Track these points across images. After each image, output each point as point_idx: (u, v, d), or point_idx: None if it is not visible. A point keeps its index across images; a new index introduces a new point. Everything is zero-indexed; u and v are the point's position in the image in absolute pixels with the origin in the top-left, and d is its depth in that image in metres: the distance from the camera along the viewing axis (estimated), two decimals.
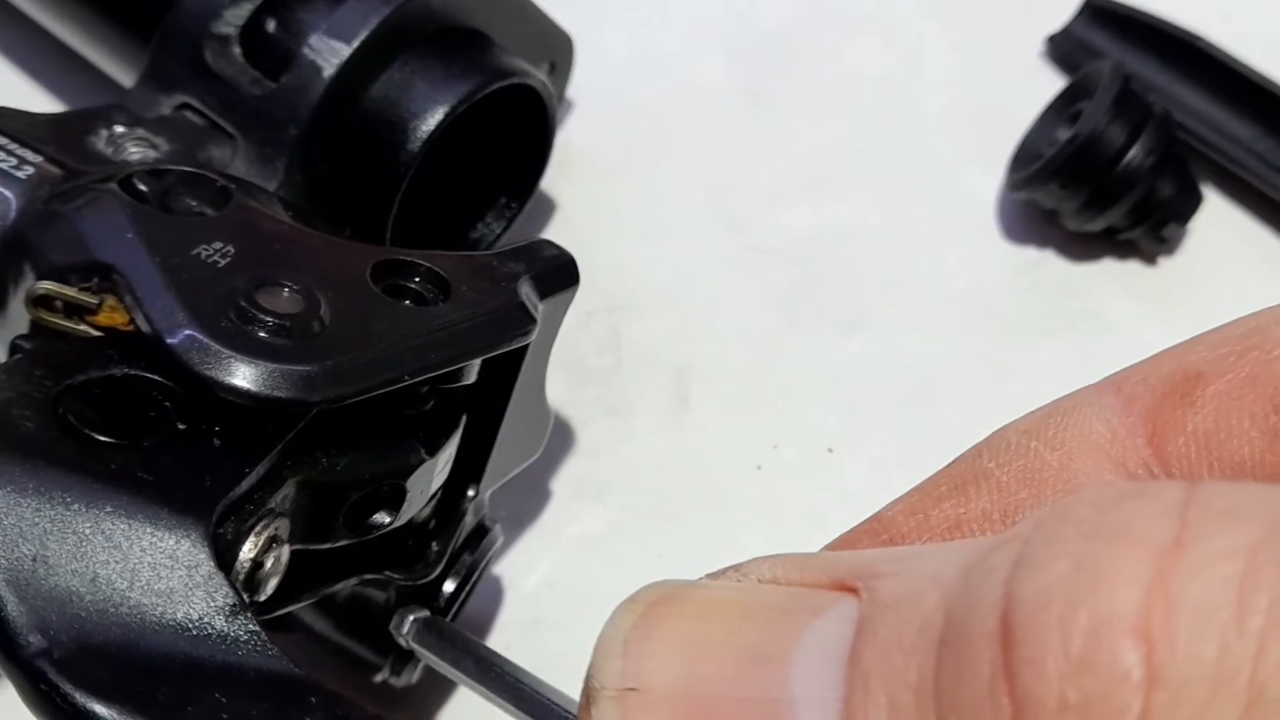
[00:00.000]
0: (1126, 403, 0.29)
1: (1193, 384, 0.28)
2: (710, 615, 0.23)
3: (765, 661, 0.22)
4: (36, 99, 0.57)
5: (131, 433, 0.32)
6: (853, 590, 0.22)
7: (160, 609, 0.30)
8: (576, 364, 0.51)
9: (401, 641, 0.38)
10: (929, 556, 0.21)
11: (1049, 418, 0.30)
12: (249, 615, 0.30)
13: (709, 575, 0.25)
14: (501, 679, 0.36)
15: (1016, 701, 0.18)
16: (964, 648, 0.19)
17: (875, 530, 0.31)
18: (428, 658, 0.38)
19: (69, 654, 0.28)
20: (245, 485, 0.32)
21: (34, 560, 0.29)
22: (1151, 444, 0.28)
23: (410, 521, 0.39)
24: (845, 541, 0.31)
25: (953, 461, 0.31)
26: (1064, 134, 0.53)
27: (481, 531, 0.43)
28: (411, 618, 0.38)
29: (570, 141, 0.55)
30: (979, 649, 0.19)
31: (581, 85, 0.56)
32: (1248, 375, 0.27)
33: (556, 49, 0.53)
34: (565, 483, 0.50)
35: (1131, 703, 0.17)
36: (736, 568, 0.24)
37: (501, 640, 0.47)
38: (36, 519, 0.30)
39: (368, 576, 0.39)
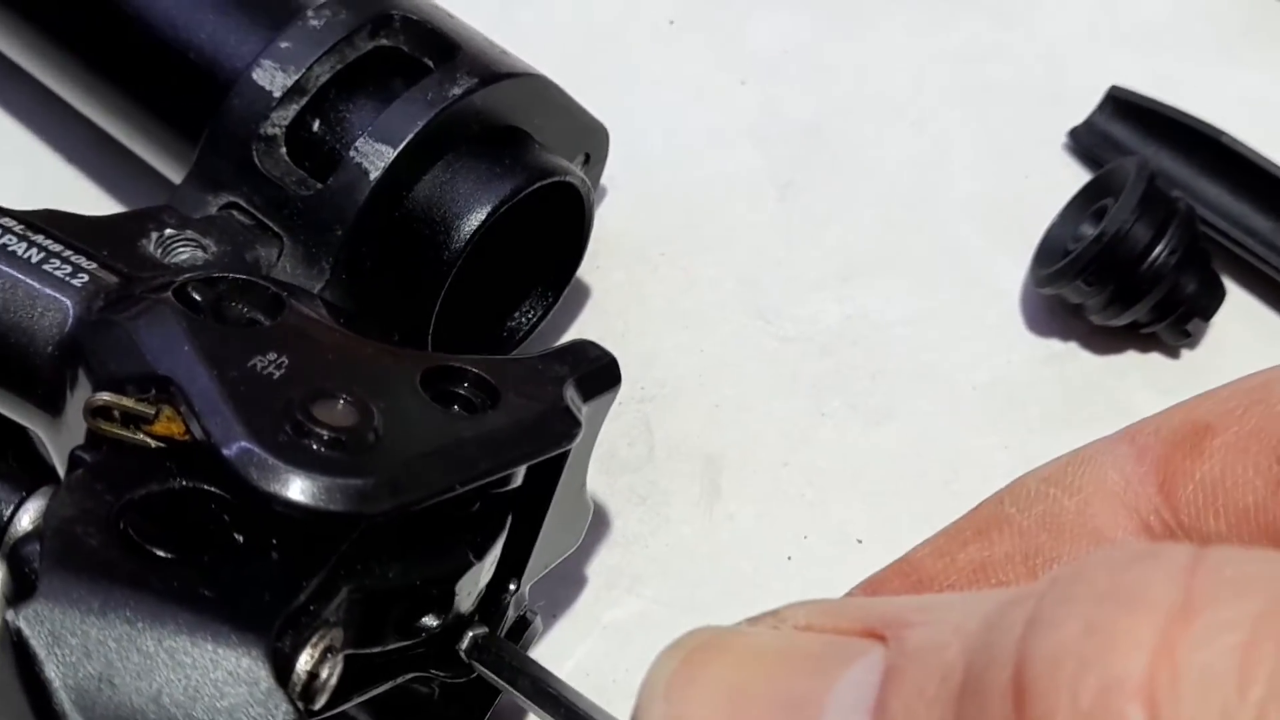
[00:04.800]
0: (1140, 452, 0.30)
1: (1201, 435, 0.29)
2: (748, 663, 0.24)
3: (800, 708, 0.23)
4: (83, 188, 0.58)
5: (191, 546, 0.33)
6: (882, 638, 0.23)
7: None
8: (609, 454, 0.52)
9: (461, 656, 0.39)
10: (954, 607, 0.23)
11: (1067, 466, 0.31)
12: None
13: (747, 621, 0.26)
14: (555, 700, 0.37)
15: None
16: (980, 702, 0.20)
17: (904, 571, 0.33)
18: (484, 674, 0.39)
19: None
20: (302, 597, 0.33)
21: (100, 680, 0.30)
22: (1162, 491, 0.30)
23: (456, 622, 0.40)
24: (876, 582, 0.33)
25: (976, 507, 0.32)
26: (1089, 230, 0.53)
27: (523, 624, 0.44)
28: (470, 633, 0.39)
29: (603, 229, 0.56)
30: (994, 704, 0.20)
31: (614, 173, 0.57)
32: (1253, 428, 0.29)
33: (592, 141, 0.53)
34: (598, 572, 0.51)
35: None
36: (774, 613, 0.26)
37: None
38: (102, 638, 0.30)
39: (413, 675, 0.40)
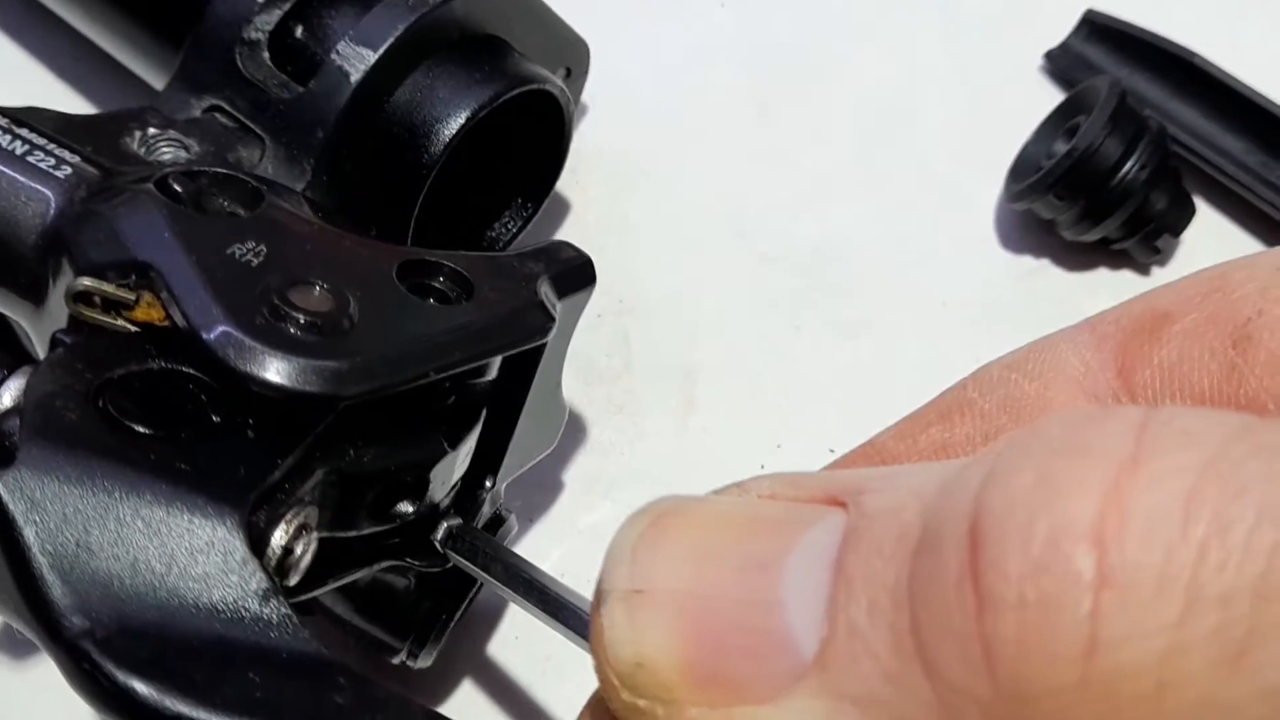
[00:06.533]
0: (1100, 340, 0.31)
1: (1160, 322, 0.30)
2: (713, 526, 0.25)
3: (761, 567, 0.24)
4: (68, 99, 0.58)
5: (169, 424, 0.33)
6: (842, 505, 0.24)
7: (197, 592, 0.30)
8: (587, 364, 0.53)
9: (436, 546, 0.40)
10: (913, 474, 0.23)
11: (1029, 353, 0.32)
12: (281, 599, 0.31)
13: (713, 491, 0.27)
14: (528, 582, 0.38)
15: (980, 598, 0.20)
16: (936, 552, 0.21)
17: (868, 454, 0.34)
18: (459, 561, 0.40)
19: (110, 635, 0.29)
20: (277, 475, 0.34)
21: (77, 545, 0.30)
22: (1121, 376, 0.30)
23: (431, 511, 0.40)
24: (841, 464, 0.34)
25: (939, 394, 0.33)
26: (1061, 147, 0.54)
27: (498, 521, 0.45)
28: (445, 524, 0.40)
29: (583, 146, 0.56)
30: (949, 553, 0.20)
31: (595, 91, 0.58)
32: (1210, 315, 0.29)
33: (573, 55, 0.54)
34: (575, 478, 0.51)
35: (1083, 601, 0.19)
36: (739, 484, 0.26)
37: (512, 627, 0.48)
38: (80, 506, 0.30)
39: (389, 564, 0.41)
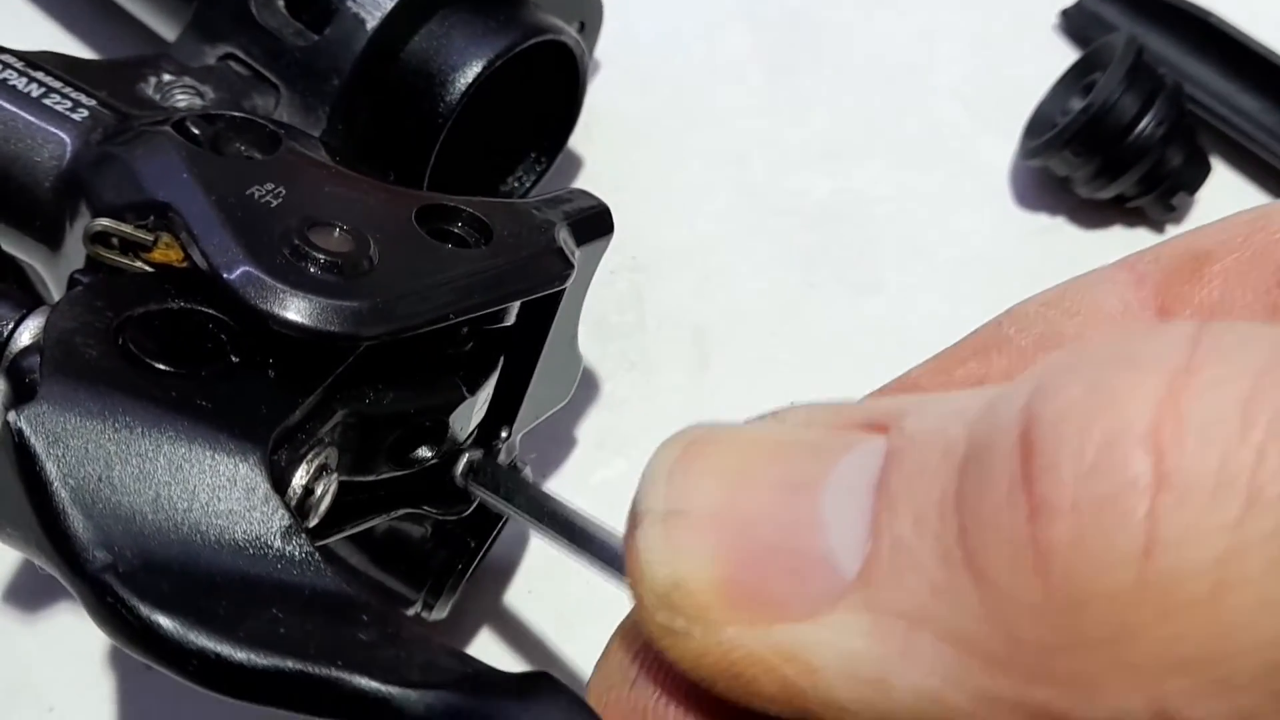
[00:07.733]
0: (1139, 279, 0.30)
1: (1201, 262, 0.29)
2: (749, 450, 0.25)
3: (799, 488, 0.23)
4: (77, 51, 0.58)
5: (189, 363, 0.33)
6: (883, 429, 0.23)
7: (219, 528, 0.30)
8: (600, 320, 0.53)
9: (458, 481, 0.40)
10: (954, 398, 0.23)
11: (1066, 291, 0.31)
12: (304, 536, 0.31)
13: (747, 421, 0.26)
14: (552, 513, 0.38)
15: (1033, 504, 0.20)
16: (984, 462, 0.21)
17: (903, 388, 0.33)
18: (480, 493, 0.40)
19: (133, 569, 0.29)
20: (298, 415, 0.33)
21: (99, 480, 0.30)
22: (1160, 315, 0.29)
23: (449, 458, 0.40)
24: (874, 397, 0.33)
25: (974, 331, 0.32)
26: (1077, 104, 0.54)
27: (513, 472, 0.45)
28: (466, 457, 0.40)
29: (596, 104, 0.56)
30: (999, 462, 0.20)
31: (608, 49, 0.57)
32: (1252, 254, 0.29)
33: (587, 9, 0.54)
34: (589, 433, 0.51)
35: (1139, 504, 0.19)
36: (774, 413, 0.26)
37: (526, 582, 0.48)
38: (102, 441, 0.30)
39: (407, 511, 0.40)
